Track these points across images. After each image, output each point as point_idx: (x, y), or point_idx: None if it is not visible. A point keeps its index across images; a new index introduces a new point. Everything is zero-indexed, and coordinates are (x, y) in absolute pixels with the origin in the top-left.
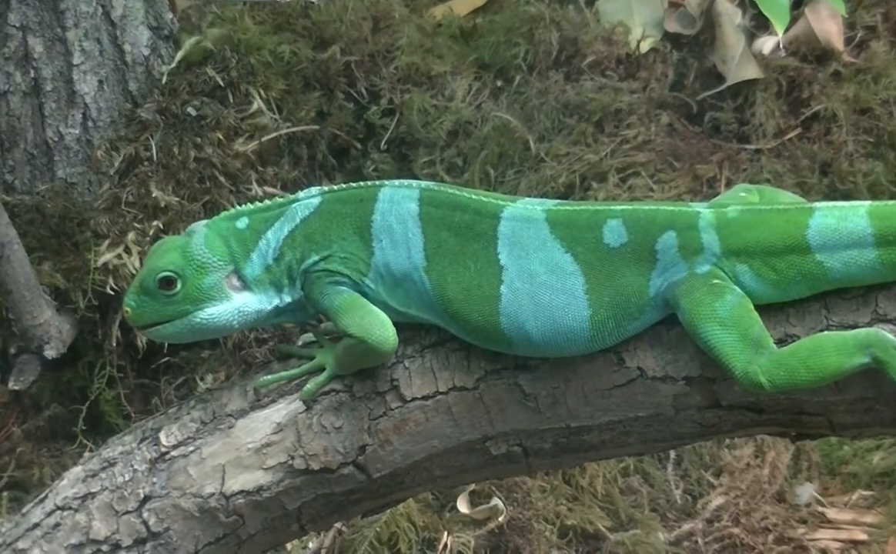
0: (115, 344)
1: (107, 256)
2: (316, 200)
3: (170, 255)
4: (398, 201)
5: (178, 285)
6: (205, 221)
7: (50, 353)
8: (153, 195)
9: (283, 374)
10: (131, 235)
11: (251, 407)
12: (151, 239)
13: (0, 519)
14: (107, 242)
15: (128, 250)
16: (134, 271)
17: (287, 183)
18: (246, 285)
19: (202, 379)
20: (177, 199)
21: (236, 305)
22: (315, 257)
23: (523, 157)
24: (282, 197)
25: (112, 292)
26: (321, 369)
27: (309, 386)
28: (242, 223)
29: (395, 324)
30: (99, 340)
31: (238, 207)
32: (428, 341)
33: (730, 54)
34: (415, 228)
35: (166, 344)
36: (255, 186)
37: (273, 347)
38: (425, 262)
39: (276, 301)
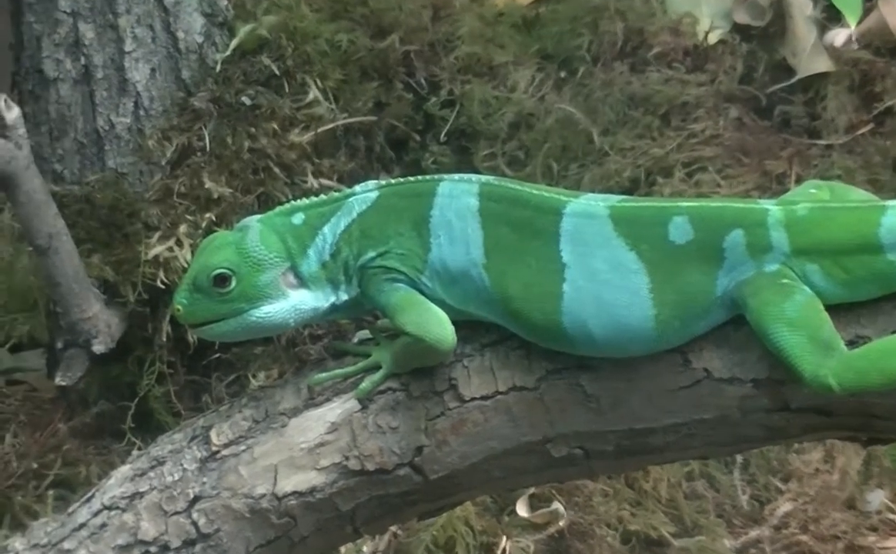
0: (164, 339)
1: (157, 249)
2: (373, 195)
3: (224, 251)
4: (457, 196)
5: (233, 283)
6: (257, 216)
7: (98, 347)
8: (206, 186)
9: (338, 372)
10: (183, 228)
11: (305, 406)
12: (204, 232)
13: (46, 518)
14: (157, 235)
15: (179, 243)
16: (185, 265)
17: (343, 175)
18: (302, 283)
19: (254, 376)
20: (230, 190)
21: (293, 303)
22: (372, 253)
23: (587, 150)
24: (338, 190)
25: (163, 286)
26: (377, 367)
27: (364, 384)
28: (298, 219)
29: (454, 322)
30: (148, 335)
31: (292, 202)
32: (487, 340)
33: (800, 47)
34: (474, 224)
35: (217, 341)
36: (310, 178)
37: (327, 344)
38: (484, 258)
39: (332, 298)
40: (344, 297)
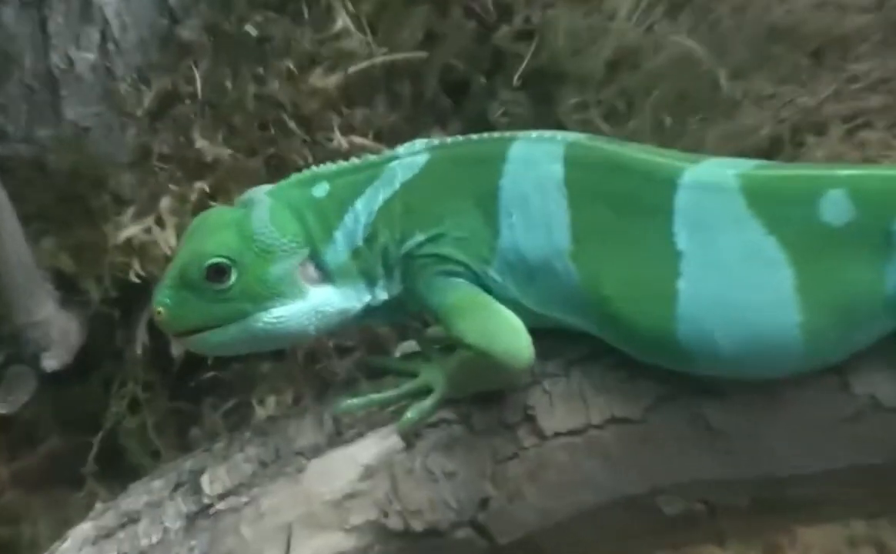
0: (140, 352)
1: (131, 230)
2: (422, 159)
3: (222, 234)
4: (536, 161)
5: (234, 276)
6: (267, 187)
7: (50, 363)
8: (196, 146)
9: (375, 397)
10: (166, 202)
11: (329, 443)
12: (194, 208)
13: None
14: (132, 211)
15: (160, 222)
16: (169, 253)
17: (382, 132)
18: (326, 276)
19: (261, 403)
20: (229, 151)
21: (313, 303)
22: (420, 237)
23: (711, 99)
24: (375, 152)
25: (138, 281)
26: (427, 391)
27: (410, 414)
28: (321, 190)
29: (531, 330)
30: (118, 346)
31: (314, 169)
32: (576, 355)
33: None
34: (558, 199)
35: (210, 355)
36: (337, 136)
37: (360, 360)
38: (572, 245)
39: (366, 298)
40: (382, 295)
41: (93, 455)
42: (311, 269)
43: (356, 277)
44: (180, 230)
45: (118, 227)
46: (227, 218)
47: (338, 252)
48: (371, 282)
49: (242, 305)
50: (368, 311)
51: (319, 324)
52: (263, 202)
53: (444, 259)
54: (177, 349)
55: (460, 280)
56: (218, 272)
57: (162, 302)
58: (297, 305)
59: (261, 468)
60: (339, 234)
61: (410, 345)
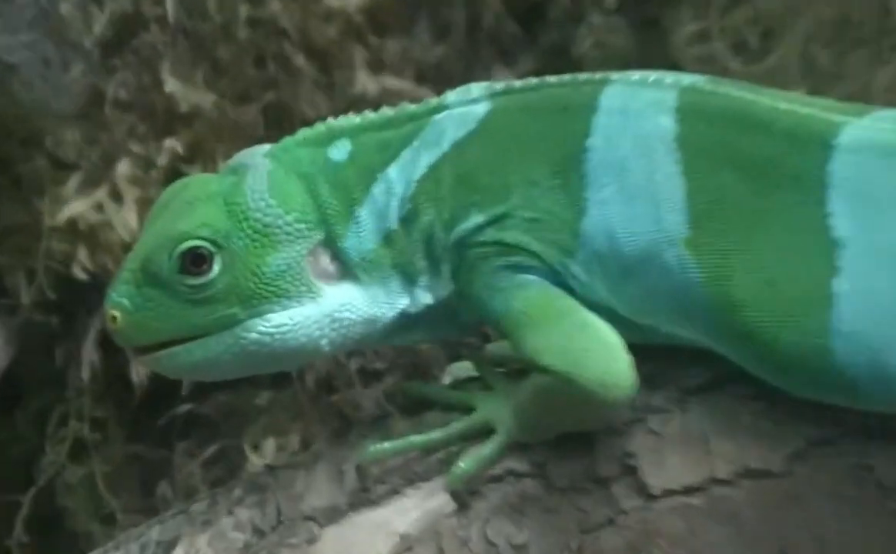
0: (88, 377)
1: (76, 206)
2: (480, 110)
3: (202, 209)
4: (638, 113)
5: (217, 267)
6: (264, 148)
7: None
8: (167, 89)
9: (415, 440)
10: (124, 167)
11: (351, 504)
12: (162, 176)
13: None
14: (76, 179)
15: (116, 196)
16: (128, 238)
17: (425, 71)
18: (346, 270)
19: (256, 447)
20: (213, 97)
21: (328, 307)
22: (478, 218)
23: (880, 28)
24: (415, 102)
25: (85, 277)
26: (487, 432)
27: (464, 464)
28: (340, 151)
29: (630, 346)
30: (57, 368)
31: (329, 122)
32: (694, 382)
33: None
34: (669, 165)
35: (186, 380)
36: (362, 77)
37: (394, 388)
38: (688, 229)
39: (402, 301)
40: (424, 299)
41: (21, 518)
42: (326, 261)
43: (388, 272)
44: (144, 207)
45: (57, 203)
46: (210, 189)
47: (363, 237)
48: (409, 279)
49: (229, 309)
50: (405, 320)
51: (336, 336)
52: (260, 167)
53: (510, 248)
54: (139, 372)
55: (532, 278)
56: (196, 261)
57: (117, 304)
58: (306, 310)
59: (256, 538)
60: (364, 213)
61: (464, 367)
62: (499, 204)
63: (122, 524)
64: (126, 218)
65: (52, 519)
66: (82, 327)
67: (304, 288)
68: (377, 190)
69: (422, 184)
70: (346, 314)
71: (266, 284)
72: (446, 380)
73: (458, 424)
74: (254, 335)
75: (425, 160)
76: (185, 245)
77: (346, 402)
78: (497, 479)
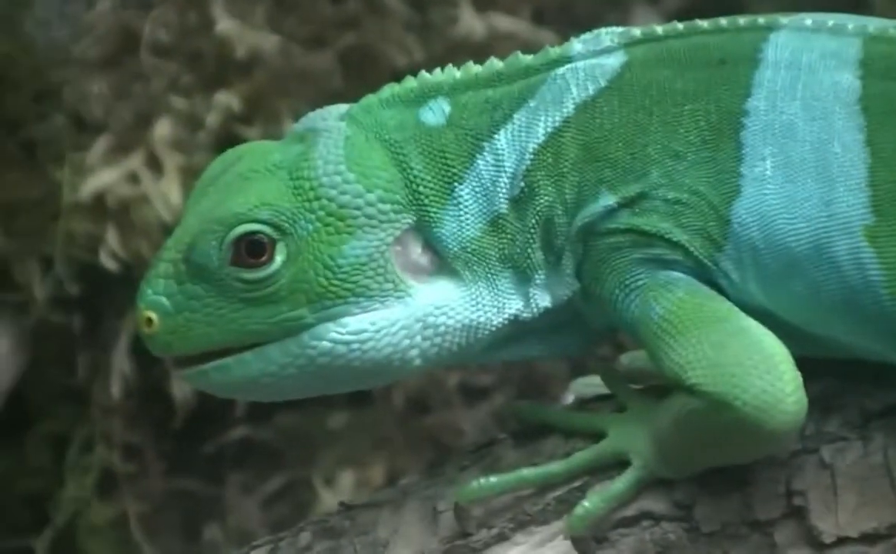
0: (119, 392)
1: (103, 177)
2: (613, 62)
3: (261, 184)
4: (810, 68)
5: (280, 258)
6: (342, 107)
7: None
8: (218, 31)
9: (528, 474)
10: (162, 128)
11: (446, 553)
12: (213, 140)
13: None
14: (104, 143)
15: (154, 163)
16: (169, 218)
17: (543, 8)
18: (443, 263)
19: (328, 482)
20: (277, 40)
21: (420, 310)
22: (609, 200)
23: None
24: (531, 51)
25: (114, 267)
26: (618, 463)
27: (590, 504)
28: (435, 113)
29: (798, 362)
30: (80, 381)
31: (423, 75)
32: (877, 404)
33: None
34: (850, 133)
35: (239, 399)
36: (464, 15)
37: (503, 409)
38: (869, 214)
39: (514, 304)
40: (542, 301)
41: None
42: (417, 251)
43: (495, 266)
44: (188, 178)
45: (80, 173)
46: (272, 159)
47: (464, 222)
48: (522, 276)
49: (294, 310)
50: (516, 328)
51: (429, 347)
52: (335, 133)
53: (648, 237)
54: (183, 387)
55: (677, 275)
56: (253, 250)
57: (153, 303)
58: (391, 313)
59: None
60: (465, 191)
61: (591, 384)
62: (634, 182)
63: None
64: (166, 192)
65: None
66: (111, 330)
67: (388, 285)
68: (482, 163)
69: (539, 156)
70: (442, 319)
71: (341, 279)
72: (569, 399)
73: (583, 455)
74: (325, 344)
75: (543, 126)
76: (239, 230)
77: (443, 425)
78: (630, 522)
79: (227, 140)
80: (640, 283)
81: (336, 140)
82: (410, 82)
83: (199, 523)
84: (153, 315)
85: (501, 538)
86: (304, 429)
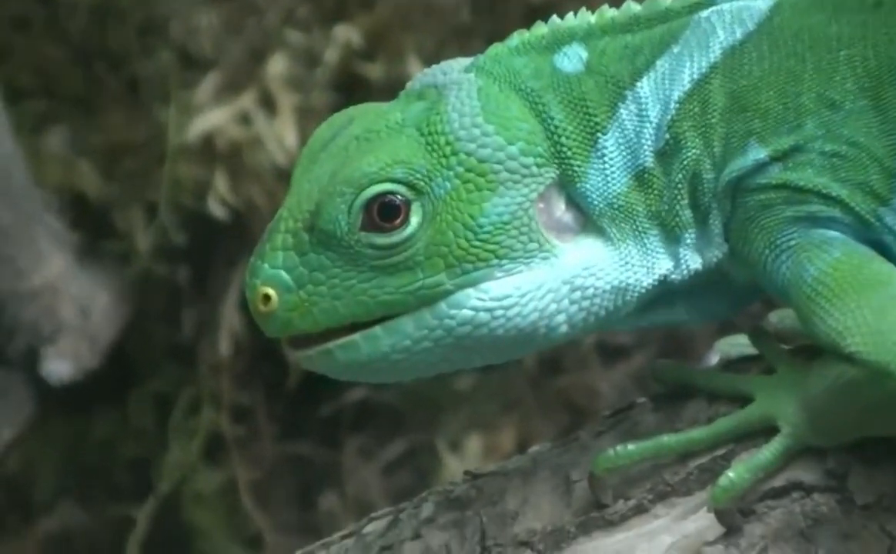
0: (226, 349)
1: (213, 118)
2: (762, 5)
3: (391, 142)
4: None
5: (415, 219)
6: (463, 61)
7: (59, 368)
8: None
9: (668, 441)
10: (277, 65)
11: (582, 526)
12: (332, 77)
13: None
14: (213, 81)
15: (268, 103)
16: (284, 163)
17: None
18: (588, 220)
19: (454, 447)
20: None
21: (567, 271)
22: (760, 153)
23: None
24: None
25: (224, 215)
26: (766, 429)
27: (735, 474)
28: (572, 59)
29: None
30: (186, 338)
31: (554, 21)
32: None
33: None
34: None
35: (366, 381)
36: None
37: (642, 370)
38: None
39: (664, 264)
40: (693, 262)
41: (135, 539)
42: (560, 208)
43: (643, 223)
44: (305, 120)
45: (187, 112)
46: (392, 117)
47: (609, 176)
48: (671, 235)
49: (431, 276)
50: (664, 291)
51: (576, 312)
52: (465, 84)
53: (803, 193)
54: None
55: (834, 234)
56: (387, 212)
57: (273, 278)
58: (536, 275)
59: None
60: (609, 143)
61: (737, 343)
62: (787, 134)
63: (272, 550)
64: (280, 133)
65: (176, 540)
66: (220, 283)
67: (533, 245)
68: (625, 112)
69: (684, 105)
70: (591, 281)
71: (483, 240)
72: (713, 359)
73: (728, 420)
74: (466, 312)
75: (688, 73)
76: (372, 191)
77: (578, 387)
78: (779, 494)
79: (346, 78)
80: (792, 242)
81: (468, 91)
82: (541, 28)
83: (314, 492)
84: (271, 291)
85: (640, 510)
86: (428, 391)
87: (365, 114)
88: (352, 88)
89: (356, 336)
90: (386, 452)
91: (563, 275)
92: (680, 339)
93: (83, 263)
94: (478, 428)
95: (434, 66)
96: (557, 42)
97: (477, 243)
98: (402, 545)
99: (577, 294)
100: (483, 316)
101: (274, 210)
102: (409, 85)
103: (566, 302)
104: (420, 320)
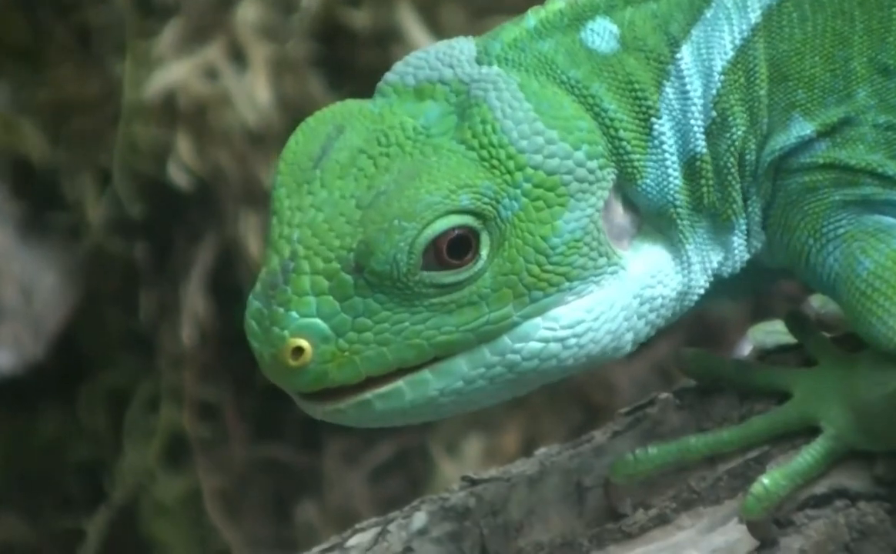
0: (190, 337)
1: (175, 72)
2: None
3: (443, 163)
4: None
5: (485, 251)
6: (466, 46)
7: (0, 362)
8: None
9: (695, 442)
10: (248, 11)
11: (594, 537)
12: (310, 28)
13: None
14: (175, 29)
15: (237, 55)
16: (256, 125)
17: None
18: (645, 221)
19: (451, 449)
20: None
21: (635, 283)
22: (804, 128)
23: None
24: None
25: (187, 183)
26: (806, 430)
27: (770, 480)
28: (601, 37)
29: None
30: (144, 322)
31: None
32: None
33: None
34: None
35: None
36: None
37: (667, 361)
38: None
39: (715, 258)
40: (743, 253)
41: None
42: (619, 211)
43: (694, 216)
44: (280, 75)
45: (145, 65)
46: (411, 125)
47: (668, 166)
48: (721, 225)
49: (498, 310)
50: (715, 285)
51: (644, 327)
52: (500, 82)
53: (854, 174)
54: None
55: (890, 220)
56: (458, 248)
57: (307, 328)
58: (607, 294)
59: None
60: (665, 128)
61: (775, 331)
62: (835, 105)
63: None
64: (252, 90)
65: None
66: (182, 262)
67: (602, 260)
68: (671, 91)
69: (729, 77)
70: (659, 290)
71: (555, 263)
72: (746, 349)
73: (763, 419)
74: (534, 345)
75: (729, 38)
76: (439, 226)
77: (592, 381)
78: (820, 502)
79: (327, 27)
80: (840, 230)
81: (510, 90)
82: (555, 3)
83: (290, 502)
84: (305, 343)
85: (662, 521)
86: None
87: (355, 118)
88: (333, 39)
89: (401, 383)
90: (372, 455)
91: (632, 288)
92: (709, 325)
93: (26, 239)
94: (477, 428)
95: (424, 55)
96: (580, 17)
97: (549, 267)
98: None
99: (646, 307)
100: (553, 347)
101: (245, 178)
102: (391, 77)
103: (634, 317)
104: (476, 359)
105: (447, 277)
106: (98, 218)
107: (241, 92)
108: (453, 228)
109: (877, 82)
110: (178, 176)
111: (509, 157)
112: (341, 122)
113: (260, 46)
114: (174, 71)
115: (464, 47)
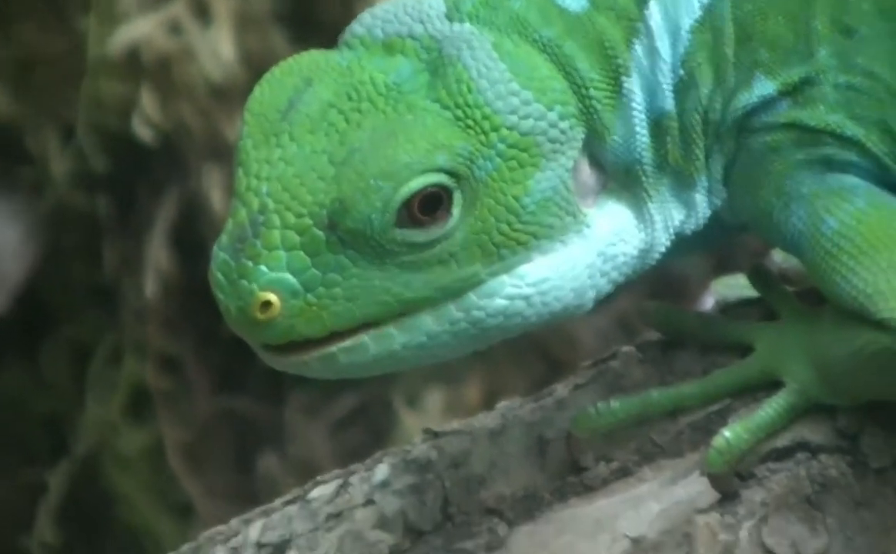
0: (152, 290)
1: (138, 27)
2: None
3: (416, 121)
4: None
5: (457, 210)
6: (435, 3)
7: None
8: None
9: (657, 396)
10: None
11: (556, 490)
12: (281, 9)
13: None
14: None
15: (201, 10)
16: (220, 79)
17: None
18: (609, 179)
19: (411, 402)
20: None
21: (599, 240)
22: (767, 86)
23: None
24: None
25: (150, 138)
26: (768, 383)
27: (731, 433)
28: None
29: None
30: (106, 277)
31: None
32: None
33: None
34: None
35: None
36: None
37: (628, 314)
38: None
39: (677, 216)
40: (704, 210)
41: (48, 507)
42: (586, 170)
43: (660, 176)
44: (245, 29)
45: (109, 20)
46: (382, 80)
47: (635, 124)
48: (683, 183)
49: (467, 268)
50: (676, 242)
51: (605, 285)
52: (473, 41)
53: (816, 134)
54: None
55: (854, 180)
56: (429, 206)
57: (276, 283)
58: (572, 252)
59: (410, 541)
60: (634, 86)
61: (737, 285)
62: (797, 65)
63: (203, 518)
64: (216, 44)
65: (94, 508)
66: (146, 216)
67: (569, 219)
68: (640, 49)
69: (696, 35)
70: (621, 248)
71: (525, 222)
72: (708, 303)
73: (725, 373)
74: (499, 302)
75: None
76: (414, 184)
77: (553, 334)
78: (782, 455)
79: None
80: (804, 190)
81: (484, 49)
82: None
83: (252, 453)
84: (273, 297)
85: (624, 473)
86: None
87: (323, 71)
88: None
89: (365, 337)
90: (334, 408)
91: (596, 246)
92: (672, 278)
93: None
94: (439, 380)
95: (392, 7)
96: None
97: (519, 226)
98: (352, 512)
99: (609, 265)
100: (518, 304)
101: (208, 132)
102: (357, 29)
103: (597, 275)
104: (441, 315)
105: (419, 235)
106: (61, 173)
107: (206, 47)
108: (430, 186)
109: (838, 42)
110: (142, 130)
111: (485, 117)
112: (308, 74)
113: (224, 1)
114: (138, 26)
115: (432, 2)
